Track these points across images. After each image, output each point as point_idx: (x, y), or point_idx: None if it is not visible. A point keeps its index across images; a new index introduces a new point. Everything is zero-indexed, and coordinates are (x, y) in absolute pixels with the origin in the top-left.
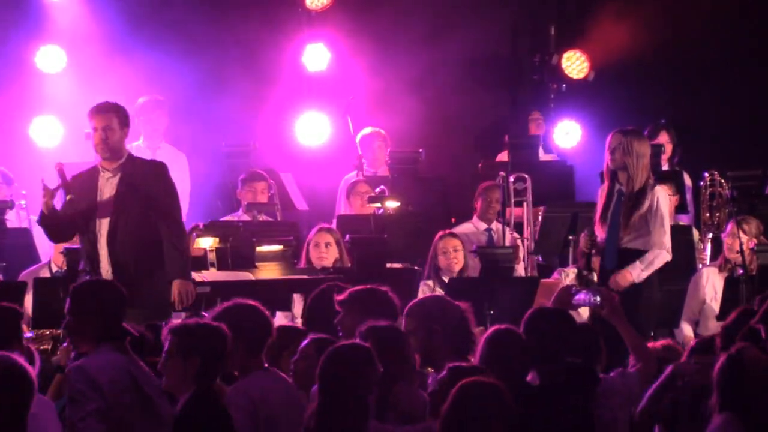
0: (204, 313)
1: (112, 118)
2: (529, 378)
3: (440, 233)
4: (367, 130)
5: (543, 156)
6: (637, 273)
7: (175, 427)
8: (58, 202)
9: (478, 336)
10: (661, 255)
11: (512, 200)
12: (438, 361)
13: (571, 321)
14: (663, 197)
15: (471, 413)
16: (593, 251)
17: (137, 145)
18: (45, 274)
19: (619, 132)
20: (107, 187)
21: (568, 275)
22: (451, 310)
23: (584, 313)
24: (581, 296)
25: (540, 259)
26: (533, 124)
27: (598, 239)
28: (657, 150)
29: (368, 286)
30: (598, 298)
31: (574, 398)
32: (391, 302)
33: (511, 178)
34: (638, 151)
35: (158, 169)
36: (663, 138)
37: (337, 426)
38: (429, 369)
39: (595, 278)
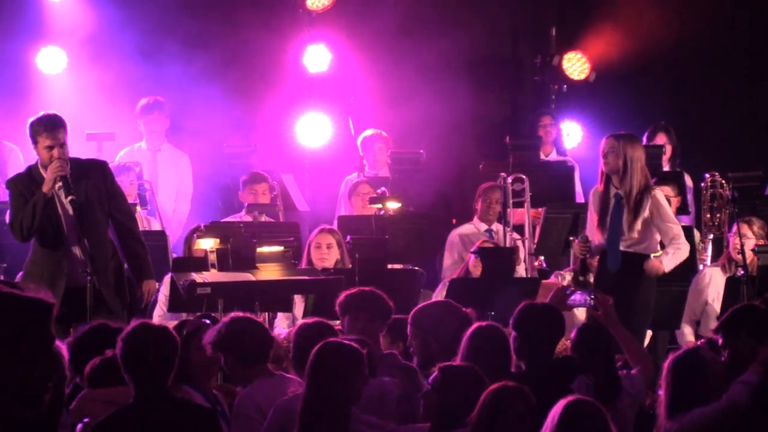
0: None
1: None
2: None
3: None
4: (368, 132)
5: (556, 159)
6: (667, 261)
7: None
8: None
9: None
10: (684, 247)
11: (511, 201)
12: (435, 366)
13: (559, 316)
14: (662, 198)
15: (501, 417)
16: (588, 256)
17: (139, 146)
18: None
19: (611, 136)
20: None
21: (565, 278)
22: (448, 321)
23: (581, 314)
24: (577, 297)
25: (544, 264)
26: (542, 130)
27: (595, 243)
28: (658, 151)
29: (361, 289)
30: (593, 300)
31: (553, 386)
32: (386, 303)
33: (509, 179)
34: (632, 154)
35: (104, 169)
36: (661, 139)
37: (322, 416)
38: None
39: (591, 279)
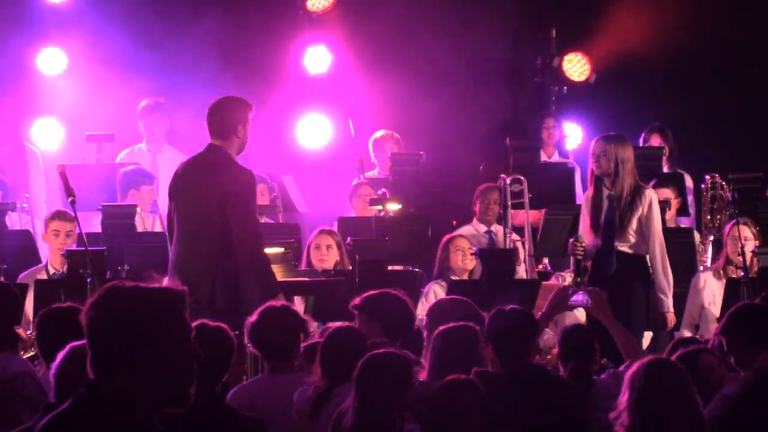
0: None
1: None
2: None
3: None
4: (379, 133)
5: (557, 160)
6: (670, 304)
7: None
8: (58, 205)
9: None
10: (659, 266)
11: (509, 202)
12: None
13: (528, 317)
14: (655, 199)
15: (451, 409)
16: (582, 257)
17: (139, 148)
18: (42, 276)
19: (601, 138)
20: None
21: (566, 279)
22: (463, 319)
23: (581, 315)
24: (578, 297)
25: (549, 267)
26: (545, 132)
27: (590, 245)
28: (657, 152)
29: (382, 291)
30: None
31: (532, 386)
32: (407, 306)
33: (508, 180)
34: (623, 156)
35: None
36: (656, 140)
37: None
38: None
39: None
